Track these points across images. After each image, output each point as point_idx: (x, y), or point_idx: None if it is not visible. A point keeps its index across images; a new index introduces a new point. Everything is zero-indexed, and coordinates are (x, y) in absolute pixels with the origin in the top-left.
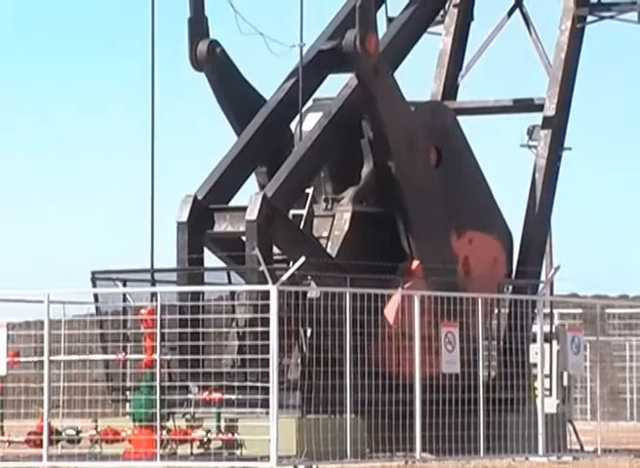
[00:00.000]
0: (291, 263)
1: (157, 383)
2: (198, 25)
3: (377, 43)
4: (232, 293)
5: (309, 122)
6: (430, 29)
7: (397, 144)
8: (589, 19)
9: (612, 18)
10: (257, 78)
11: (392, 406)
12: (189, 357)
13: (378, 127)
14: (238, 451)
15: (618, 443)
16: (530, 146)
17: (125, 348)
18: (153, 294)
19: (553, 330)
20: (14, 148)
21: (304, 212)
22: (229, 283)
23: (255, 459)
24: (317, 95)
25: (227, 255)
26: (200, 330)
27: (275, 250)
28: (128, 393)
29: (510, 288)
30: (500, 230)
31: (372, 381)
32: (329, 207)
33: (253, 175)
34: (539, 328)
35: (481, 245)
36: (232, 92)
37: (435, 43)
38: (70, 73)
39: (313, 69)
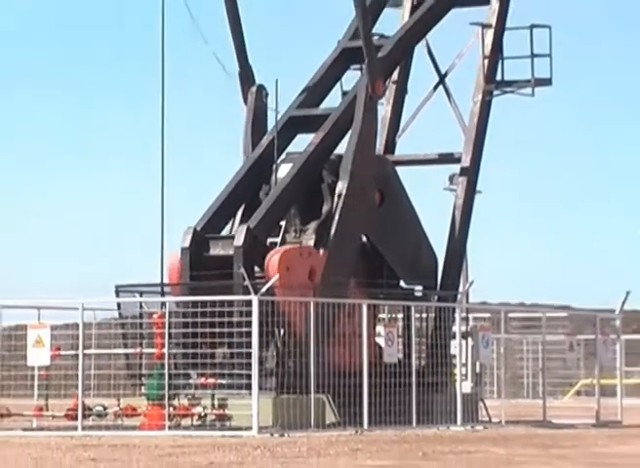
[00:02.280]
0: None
1: (166, 371)
2: (245, 75)
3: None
4: (223, 302)
5: (283, 171)
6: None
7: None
8: (495, 92)
9: (512, 92)
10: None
11: (346, 388)
12: (190, 351)
13: None
14: (228, 423)
15: (517, 415)
16: (450, 190)
17: (141, 344)
18: (163, 303)
19: (468, 329)
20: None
21: (279, 239)
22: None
23: (240, 429)
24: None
25: (219, 273)
26: (199, 330)
27: (256, 269)
28: (143, 378)
29: (436, 297)
30: (428, 253)
31: (330, 369)
32: (297, 236)
33: None
34: (457, 328)
35: None
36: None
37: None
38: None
39: (286, 131)
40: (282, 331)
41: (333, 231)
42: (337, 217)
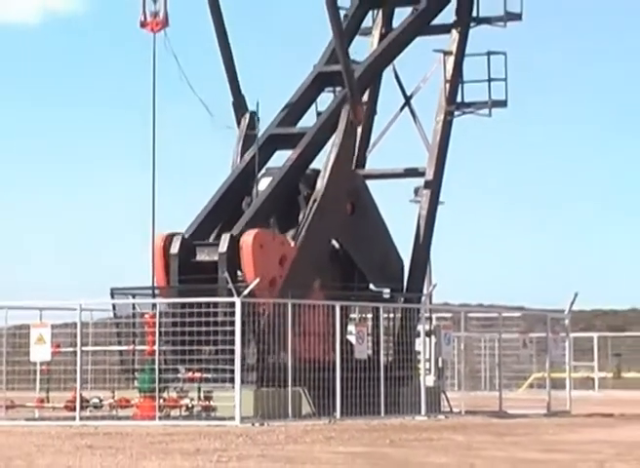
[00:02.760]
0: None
1: (156, 366)
2: (238, 104)
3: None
4: (208, 304)
5: (263, 184)
6: None
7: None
8: (456, 113)
9: (471, 112)
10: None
11: (321, 381)
12: (179, 348)
13: None
14: (213, 414)
15: (476, 406)
16: (415, 201)
17: (134, 342)
18: (154, 304)
19: (432, 328)
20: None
21: None
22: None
23: (224, 419)
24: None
25: (205, 277)
26: (186, 329)
27: (239, 273)
28: (136, 373)
29: (402, 299)
30: (395, 259)
31: (306, 364)
32: None
33: None
34: (422, 327)
35: None
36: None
37: None
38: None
39: (266, 147)
40: (262, 330)
41: (304, 231)
42: (309, 219)
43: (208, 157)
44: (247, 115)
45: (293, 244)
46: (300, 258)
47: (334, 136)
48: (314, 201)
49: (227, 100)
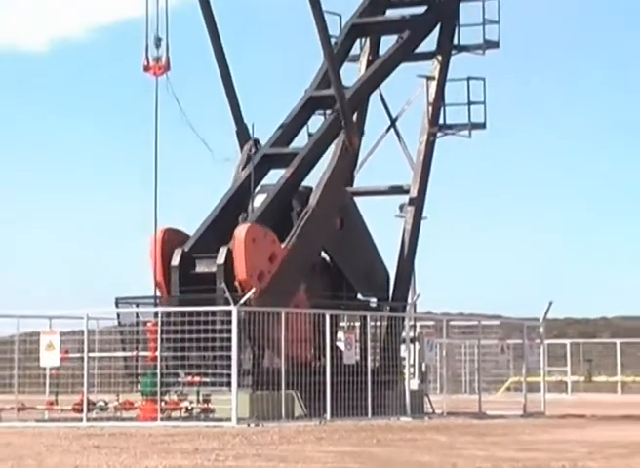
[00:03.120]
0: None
1: (158, 371)
2: (242, 132)
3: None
4: (207, 313)
5: (258, 200)
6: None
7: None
8: (438, 134)
9: (452, 134)
10: None
11: (312, 385)
12: (179, 354)
13: None
14: (211, 415)
15: (457, 408)
16: (400, 217)
17: (137, 348)
18: (156, 313)
19: (416, 335)
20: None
21: None
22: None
23: (222, 420)
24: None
25: (204, 287)
26: (186, 336)
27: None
28: (139, 377)
29: (388, 308)
30: (381, 270)
31: (299, 369)
32: None
33: None
34: (406, 334)
35: None
36: None
37: None
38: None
39: (261, 166)
40: (257, 337)
41: (294, 236)
42: (300, 226)
43: (208, 178)
44: (250, 142)
45: (283, 245)
46: (289, 260)
47: (329, 158)
48: (306, 212)
49: (227, 134)
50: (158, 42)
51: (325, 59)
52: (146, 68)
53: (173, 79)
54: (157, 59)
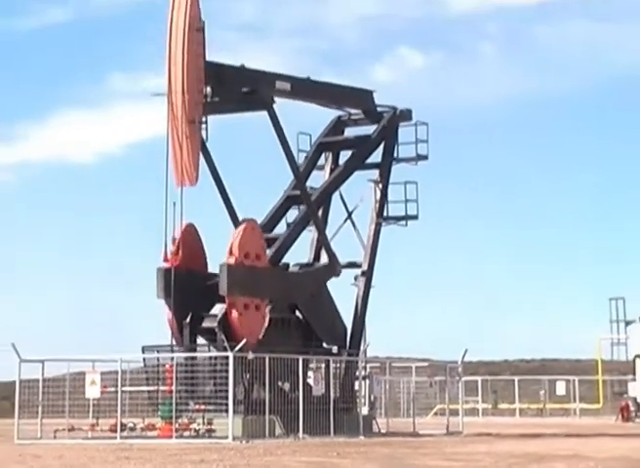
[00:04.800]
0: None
1: (173, 401)
2: (235, 224)
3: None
4: (210, 357)
5: None
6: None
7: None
8: (383, 224)
9: (394, 223)
10: None
11: (289, 411)
12: (189, 388)
13: None
14: (213, 434)
15: (397, 428)
16: (355, 285)
17: (158, 384)
18: (172, 358)
19: (366, 374)
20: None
21: None
22: (209, 351)
23: (221, 438)
24: None
25: (208, 338)
26: (195, 374)
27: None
28: (159, 405)
29: (346, 353)
30: (341, 325)
31: (279, 399)
32: None
33: None
34: (360, 372)
35: None
36: None
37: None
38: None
39: None
40: (248, 375)
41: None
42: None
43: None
44: None
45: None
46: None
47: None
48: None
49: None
50: (173, 241)
51: (294, 178)
52: (165, 259)
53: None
54: (173, 253)
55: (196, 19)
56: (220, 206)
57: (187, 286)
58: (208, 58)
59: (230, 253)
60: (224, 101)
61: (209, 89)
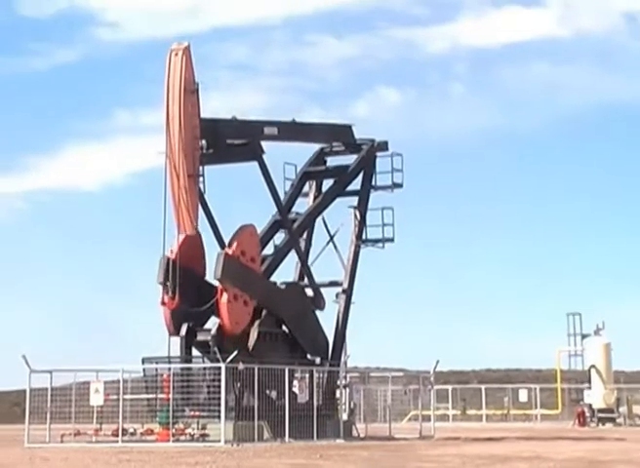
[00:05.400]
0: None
1: (170, 408)
2: None
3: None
4: (204, 368)
5: None
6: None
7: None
8: (362, 246)
9: (372, 245)
10: None
11: (276, 417)
12: (185, 396)
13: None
14: (206, 438)
15: (374, 433)
16: (336, 302)
17: (156, 392)
18: (169, 368)
19: (346, 383)
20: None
21: None
22: (203, 362)
23: (214, 441)
24: None
25: (202, 350)
26: (190, 384)
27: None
28: (157, 412)
29: (328, 364)
30: (323, 339)
31: (267, 406)
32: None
33: None
34: (340, 381)
35: None
36: None
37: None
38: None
39: None
40: (238, 384)
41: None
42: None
43: None
44: None
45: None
46: (262, 337)
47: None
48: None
49: None
50: (167, 288)
51: (277, 208)
52: (163, 302)
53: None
54: (172, 297)
55: (190, 81)
56: (213, 242)
57: (186, 279)
58: (204, 108)
59: (229, 245)
60: (219, 153)
61: (204, 142)
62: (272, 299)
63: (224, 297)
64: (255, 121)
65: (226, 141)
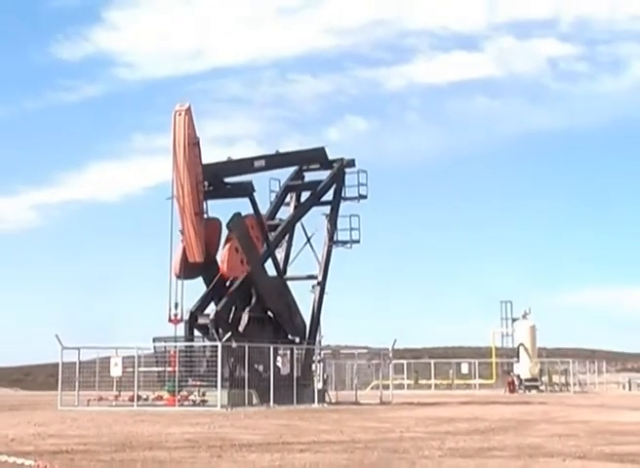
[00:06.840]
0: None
1: (176, 378)
2: None
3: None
4: (204, 346)
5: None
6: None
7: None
8: (333, 246)
9: (342, 246)
10: None
11: (263, 387)
12: (188, 369)
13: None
14: (206, 404)
15: (343, 399)
16: (312, 292)
17: (165, 365)
18: (175, 346)
19: (320, 358)
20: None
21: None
22: (203, 341)
23: (212, 406)
24: None
25: (203, 331)
26: (192, 359)
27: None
28: (166, 382)
29: (305, 343)
30: (301, 321)
31: (256, 377)
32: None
33: None
34: (316, 357)
35: None
36: None
37: (278, 253)
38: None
39: None
40: (232, 359)
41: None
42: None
43: None
44: None
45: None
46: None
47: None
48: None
49: None
50: (176, 306)
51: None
52: (170, 320)
53: None
54: (175, 315)
55: (192, 136)
56: None
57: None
58: (205, 157)
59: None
60: (217, 191)
61: (206, 183)
62: (261, 280)
63: (228, 245)
64: (245, 159)
65: (224, 180)
